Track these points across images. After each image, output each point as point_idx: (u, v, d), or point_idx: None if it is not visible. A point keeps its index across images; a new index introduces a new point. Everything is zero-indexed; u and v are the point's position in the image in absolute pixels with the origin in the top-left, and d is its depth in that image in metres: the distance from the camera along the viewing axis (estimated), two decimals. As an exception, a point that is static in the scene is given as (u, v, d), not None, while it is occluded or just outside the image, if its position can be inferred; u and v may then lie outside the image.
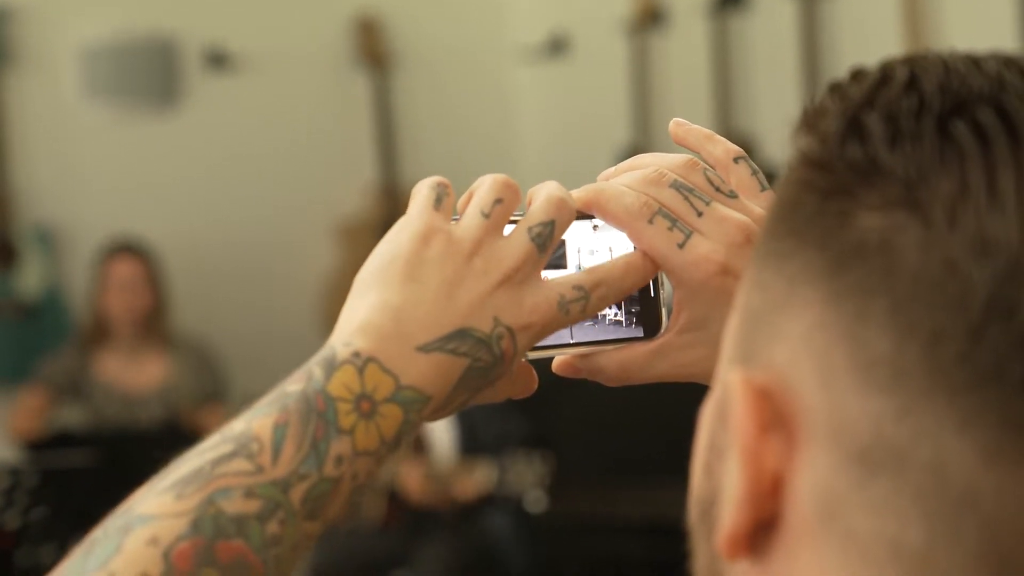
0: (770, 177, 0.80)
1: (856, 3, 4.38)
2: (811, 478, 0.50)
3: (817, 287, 0.50)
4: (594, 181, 0.84)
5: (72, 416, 4.78)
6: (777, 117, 4.26)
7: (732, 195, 0.82)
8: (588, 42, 5.40)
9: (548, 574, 3.89)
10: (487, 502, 3.86)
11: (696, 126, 0.87)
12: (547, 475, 3.73)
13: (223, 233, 5.34)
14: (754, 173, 0.84)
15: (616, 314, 0.83)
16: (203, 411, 4.67)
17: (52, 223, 5.13)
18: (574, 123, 5.50)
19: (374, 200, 5.41)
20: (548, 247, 0.79)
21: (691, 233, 0.80)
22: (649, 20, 5.04)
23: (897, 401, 0.48)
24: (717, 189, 0.82)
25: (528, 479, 3.74)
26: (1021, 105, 0.49)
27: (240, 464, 0.71)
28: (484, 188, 0.80)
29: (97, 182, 5.22)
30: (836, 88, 0.53)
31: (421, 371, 0.74)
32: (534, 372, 0.83)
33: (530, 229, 0.78)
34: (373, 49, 5.48)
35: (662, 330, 0.83)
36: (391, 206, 5.20)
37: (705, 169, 0.83)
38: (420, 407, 0.75)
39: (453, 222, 0.79)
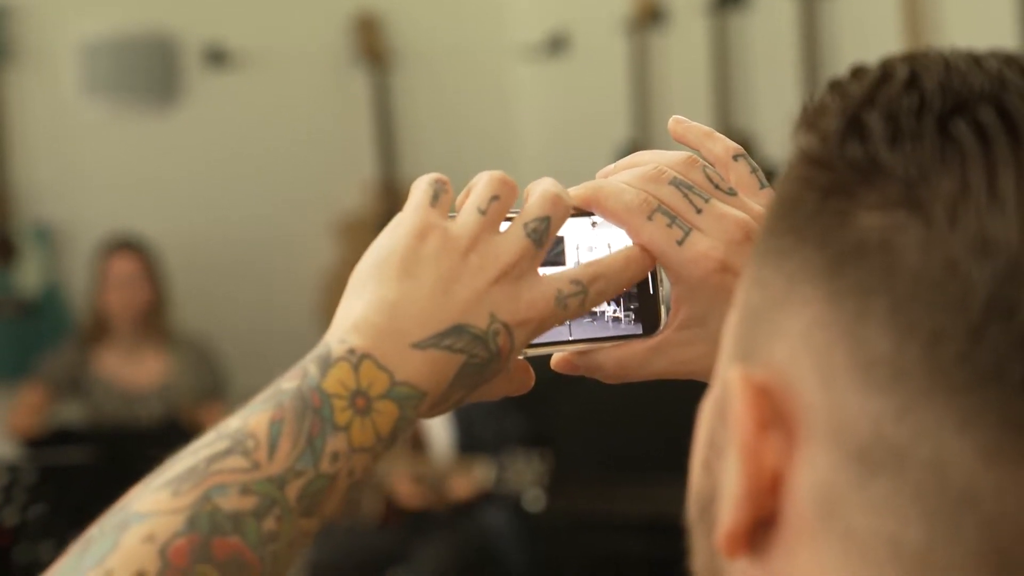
0: (769, 175, 0.79)
1: (856, 1, 4.38)
2: (810, 476, 0.50)
3: (817, 285, 0.50)
4: (593, 178, 0.84)
5: (71, 413, 4.78)
6: (777, 115, 4.27)
7: (731, 192, 0.82)
8: (588, 40, 5.40)
9: (547, 572, 3.88)
10: (485, 500, 3.86)
11: (695, 123, 0.87)
12: (546, 473, 3.73)
13: (223, 230, 5.34)
14: (753, 171, 0.84)
15: (615, 311, 0.83)
16: (203, 408, 4.67)
17: (51, 220, 5.13)
18: (574, 121, 5.50)
19: (373, 197, 5.41)
20: (544, 242, 0.79)
21: (690, 230, 0.80)
22: (649, 18, 5.04)
23: (897, 401, 0.48)
24: (716, 186, 0.82)
25: (527, 477, 3.74)
26: (1022, 104, 0.49)
27: (236, 461, 0.71)
28: (481, 185, 0.80)
29: (96, 179, 5.22)
30: (836, 86, 0.53)
31: (416, 367, 0.74)
32: (531, 369, 0.82)
33: (526, 225, 0.78)
34: (373, 46, 5.48)
35: (661, 327, 0.83)
36: (391, 203, 5.20)
37: (704, 166, 0.83)
38: (416, 403, 0.75)
39: (450, 219, 0.79)
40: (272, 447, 0.71)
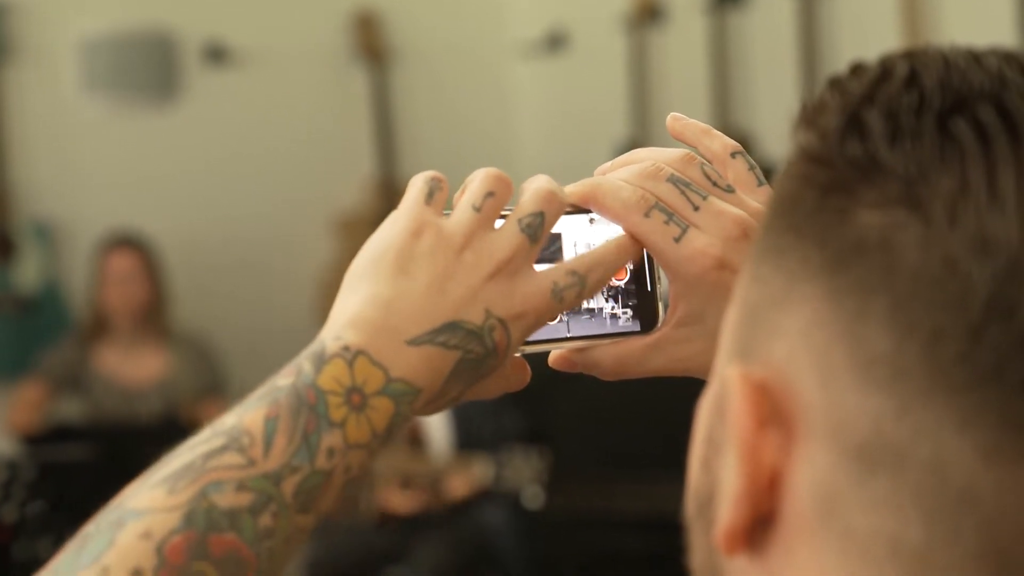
0: (768, 173, 0.79)
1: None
2: (809, 474, 0.50)
3: (816, 283, 0.50)
4: (591, 176, 0.84)
5: (71, 410, 4.78)
6: (775, 113, 4.26)
7: (729, 190, 0.82)
8: (587, 38, 5.40)
9: (546, 570, 3.88)
10: (484, 498, 3.86)
11: (693, 121, 0.87)
12: (544, 470, 3.73)
13: (222, 227, 5.34)
14: (751, 168, 0.84)
15: (613, 308, 0.83)
16: (202, 405, 4.67)
17: (51, 217, 5.12)
18: (573, 118, 5.50)
19: (372, 194, 5.41)
20: (539, 238, 0.79)
21: (687, 227, 0.80)
22: (648, 16, 5.04)
23: (896, 400, 0.48)
24: (714, 184, 0.82)
25: (525, 474, 3.74)
26: (1022, 103, 0.49)
27: (232, 458, 0.71)
28: (476, 182, 0.80)
29: (96, 176, 5.22)
30: (836, 83, 0.53)
31: (411, 364, 0.74)
32: (527, 365, 0.82)
33: (520, 221, 0.78)
34: (372, 44, 5.47)
35: (659, 324, 0.83)
36: (389, 201, 5.20)
37: (702, 164, 0.83)
38: (411, 400, 0.75)
39: (445, 216, 0.79)
40: (268, 444, 0.71)
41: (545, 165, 4.67)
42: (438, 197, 0.79)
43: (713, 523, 0.53)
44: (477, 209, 0.78)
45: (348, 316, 0.75)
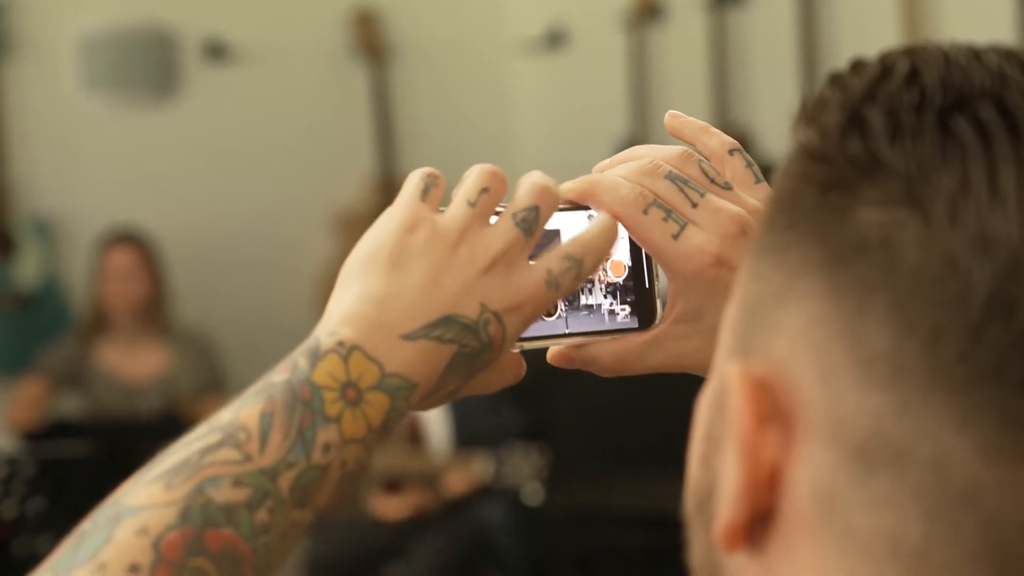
0: (767, 170, 0.79)
1: (855, -3, 4.38)
2: (809, 472, 0.50)
3: (816, 281, 0.50)
4: (590, 172, 0.84)
5: (71, 406, 4.78)
6: (775, 111, 4.26)
7: (727, 187, 0.82)
8: (586, 35, 5.40)
9: (545, 566, 3.89)
10: (483, 494, 3.86)
11: (691, 118, 0.87)
12: (544, 467, 3.73)
13: (221, 224, 5.34)
14: (749, 165, 0.84)
15: (611, 304, 0.83)
16: (202, 401, 4.66)
17: (50, 213, 5.12)
18: (572, 116, 5.50)
19: (372, 191, 5.41)
20: (534, 232, 0.79)
21: (686, 224, 0.80)
22: (647, 13, 5.04)
23: (897, 398, 0.48)
24: (712, 181, 0.82)
25: (524, 471, 3.74)
26: (1022, 101, 0.49)
27: (228, 453, 0.71)
28: (471, 178, 0.80)
29: (95, 173, 5.21)
30: (836, 80, 0.53)
31: (407, 359, 0.74)
32: (522, 359, 0.82)
33: (515, 215, 0.79)
34: (371, 41, 5.47)
35: (657, 321, 0.83)
36: (389, 197, 5.14)
37: (700, 161, 0.83)
38: (407, 394, 0.75)
39: (441, 212, 0.79)
40: (263, 439, 0.71)
41: (544, 162, 4.66)
42: (433, 193, 0.79)
43: (712, 520, 0.53)
44: (472, 204, 0.78)
45: (343, 312, 0.75)
